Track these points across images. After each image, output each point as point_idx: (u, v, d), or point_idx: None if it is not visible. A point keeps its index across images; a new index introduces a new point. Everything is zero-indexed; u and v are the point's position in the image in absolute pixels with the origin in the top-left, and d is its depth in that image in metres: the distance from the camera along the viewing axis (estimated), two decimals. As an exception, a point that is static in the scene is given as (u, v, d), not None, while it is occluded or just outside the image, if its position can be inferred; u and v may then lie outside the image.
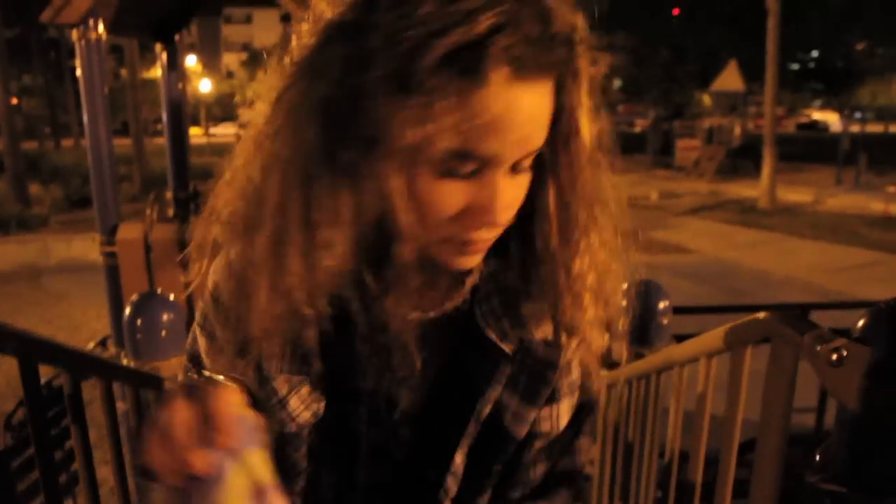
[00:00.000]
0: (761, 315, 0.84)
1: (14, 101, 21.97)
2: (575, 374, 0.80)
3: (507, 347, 0.76)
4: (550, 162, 0.68)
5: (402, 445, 0.81)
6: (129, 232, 4.14)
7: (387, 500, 0.82)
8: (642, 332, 1.54)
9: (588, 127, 0.67)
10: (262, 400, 0.68)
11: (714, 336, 0.99)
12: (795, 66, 37.14)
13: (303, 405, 0.78)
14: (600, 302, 0.74)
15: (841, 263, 10.23)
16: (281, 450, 0.80)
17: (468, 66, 0.56)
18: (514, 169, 0.65)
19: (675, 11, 32.33)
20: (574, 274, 0.71)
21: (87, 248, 7.76)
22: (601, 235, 0.72)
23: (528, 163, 0.66)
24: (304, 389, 0.78)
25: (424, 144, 0.59)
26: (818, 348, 0.71)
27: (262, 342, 0.74)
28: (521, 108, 0.60)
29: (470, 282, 0.77)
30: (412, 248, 0.67)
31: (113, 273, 4.24)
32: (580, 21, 0.65)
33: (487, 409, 0.77)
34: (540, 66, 0.60)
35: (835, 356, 0.69)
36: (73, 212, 14.82)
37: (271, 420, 0.70)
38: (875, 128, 35.99)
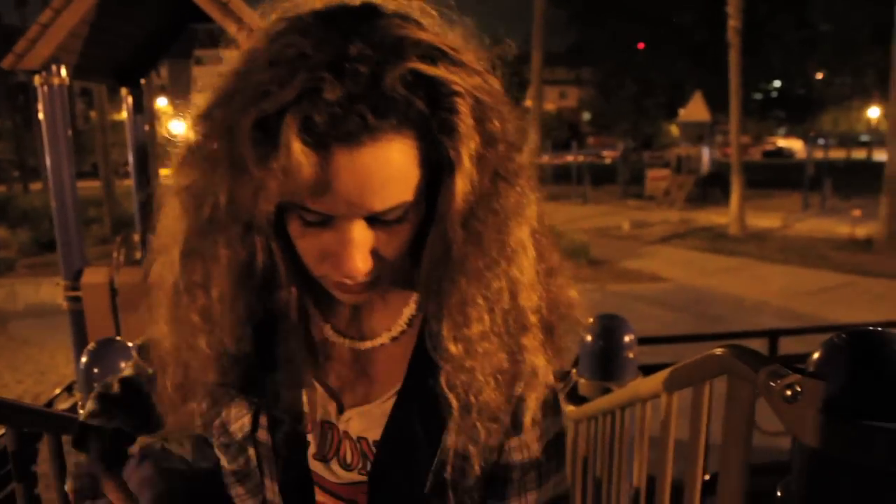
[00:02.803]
0: (718, 351, 0.83)
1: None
2: (531, 404, 0.78)
3: None
4: (438, 211, 0.68)
5: (370, 477, 0.81)
6: (95, 276, 4.07)
7: None
8: (608, 367, 1.53)
9: (465, 183, 0.65)
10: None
11: (675, 372, 0.99)
12: (759, 96, 38.07)
13: (237, 417, 0.82)
14: (515, 338, 0.73)
15: (811, 287, 10.38)
16: (223, 457, 0.85)
17: (273, 135, 0.59)
18: (375, 221, 0.66)
19: (641, 46, 33.06)
20: (470, 308, 0.70)
21: (54, 292, 7.62)
22: (502, 275, 0.70)
23: (394, 215, 0.66)
24: (238, 401, 0.82)
25: (262, 207, 0.63)
26: (772, 384, 0.70)
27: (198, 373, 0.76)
28: (337, 172, 0.61)
29: (407, 311, 0.80)
30: (295, 286, 0.75)
31: (78, 318, 4.16)
32: (462, 72, 0.63)
33: (452, 439, 0.76)
34: (349, 134, 0.59)
35: (788, 392, 0.68)
36: (42, 255, 14.56)
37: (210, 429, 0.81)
38: (838, 153, 36.85)
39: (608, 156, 39.00)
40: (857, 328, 0.68)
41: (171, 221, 0.72)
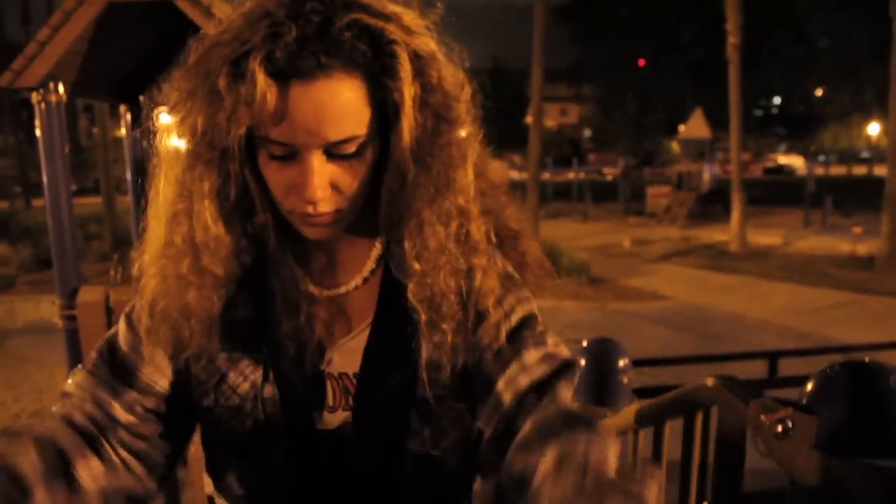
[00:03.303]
0: (709, 381, 0.81)
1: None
2: (488, 298, 0.85)
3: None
4: (391, 146, 0.79)
5: (354, 410, 0.87)
6: (90, 295, 4.04)
7: (348, 465, 0.87)
8: (602, 392, 1.50)
9: (410, 121, 0.77)
10: (196, 384, 0.88)
11: (667, 401, 0.96)
12: (759, 112, 38.20)
13: (241, 377, 0.88)
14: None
15: (813, 305, 10.33)
16: (226, 426, 0.89)
17: (242, 72, 0.72)
18: (332, 154, 0.77)
19: (641, 62, 33.23)
20: (416, 239, 0.81)
21: (54, 309, 7.62)
22: (451, 199, 0.81)
23: (349, 148, 0.77)
24: (243, 362, 0.88)
25: (233, 133, 0.75)
26: (763, 418, 0.67)
27: (188, 325, 0.84)
28: (296, 103, 0.73)
29: (374, 253, 0.90)
30: (269, 217, 0.84)
31: (73, 337, 4.13)
32: (399, 26, 0.76)
33: (426, 352, 0.83)
34: (304, 70, 0.72)
35: (780, 427, 0.65)
36: (42, 272, 14.57)
37: (216, 396, 0.88)
38: (838, 170, 36.90)
39: (609, 173, 39.10)
40: (852, 360, 0.66)
41: (164, 167, 0.85)
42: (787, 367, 4.31)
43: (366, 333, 0.87)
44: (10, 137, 33.65)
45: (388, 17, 0.75)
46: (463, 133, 0.82)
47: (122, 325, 0.94)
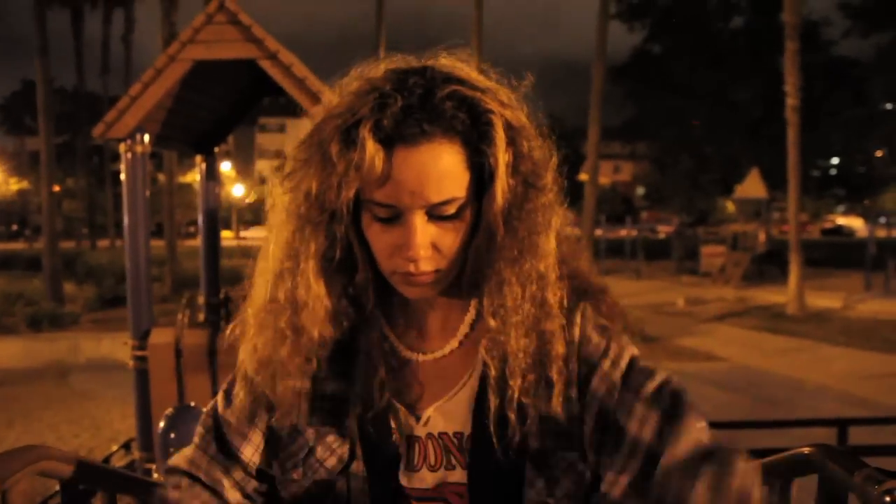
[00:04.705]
0: (807, 450, 0.83)
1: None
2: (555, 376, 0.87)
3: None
4: (483, 209, 0.84)
5: (469, 467, 0.89)
6: (161, 337, 4.19)
7: None
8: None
9: (503, 184, 0.82)
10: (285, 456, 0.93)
11: (765, 466, 0.98)
12: (817, 173, 37.46)
13: (328, 452, 0.92)
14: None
15: (876, 371, 9.93)
16: (314, 501, 0.93)
17: (353, 139, 0.78)
18: (433, 215, 0.82)
19: (696, 122, 33.10)
20: (505, 294, 0.84)
21: (115, 347, 7.86)
22: (532, 264, 0.85)
23: (449, 210, 0.82)
24: (330, 437, 0.92)
25: (343, 195, 0.81)
26: (871, 489, 0.70)
27: (285, 397, 0.90)
28: (401, 166, 0.78)
29: (468, 318, 0.93)
30: (369, 276, 0.89)
31: (143, 377, 4.26)
32: (494, 98, 0.82)
33: (492, 408, 0.87)
34: (409, 136, 0.77)
35: (888, 498, 0.68)
36: (105, 311, 15.05)
37: (304, 469, 0.92)
38: (901, 233, 35.71)
39: (662, 231, 38.65)
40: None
41: (275, 231, 0.89)
42: (855, 436, 4.16)
43: (465, 392, 0.90)
44: (82, 181, 35.15)
45: (484, 90, 0.82)
46: (548, 200, 0.86)
47: (220, 401, 1.00)
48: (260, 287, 0.90)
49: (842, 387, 9.04)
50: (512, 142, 0.82)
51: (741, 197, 22.30)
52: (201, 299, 5.38)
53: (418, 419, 0.91)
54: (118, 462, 4.96)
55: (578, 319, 0.89)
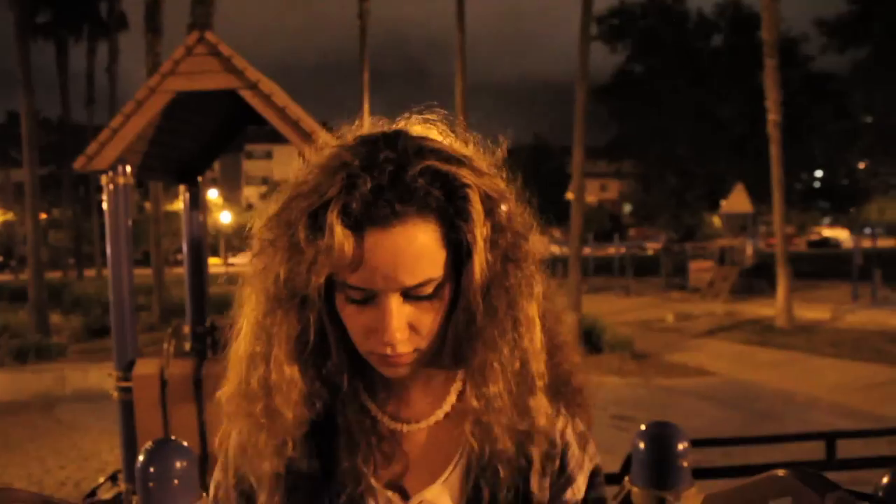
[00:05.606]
0: (781, 472, 0.83)
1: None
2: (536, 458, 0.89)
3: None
4: (462, 286, 0.81)
5: None
6: (146, 367, 4.16)
7: None
8: (662, 476, 1.51)
9: (481, 260, 0.78)
10: None
11: (736, 491, 0.98)
12: (800, 186, 37.83)
13: None
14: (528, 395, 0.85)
15: (865, 381, 9.98)
16: None
17: (321, 224, 0.75)
18: (409, 296, 0.78)
19: (680, 140, 33.41)
20: (488, 372, 0.83)
21: (102, 377, 7.77)
22: (513, 344, 0.83)
23: (426, 290, 0.78)
24: None
25: (313, 281, 0.77)
26: (836, 512, 0.70)
27: (264, 480, 0.88)
28: (373, 250, 0.75)
29: (454, 389, 0.91)
30: (343, 359, 0.86)
31: (128, 409, 4.22)
32: (471, 171, 0.78)
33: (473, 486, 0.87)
34: (380, 218, 0.74)
35: (854, 521, 0.68)
36: (92, 341, 14.88)
37: None
38: (886, 242, 36.06)
39: (650, 247, 38.83)
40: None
41: (246, 310, 0.86)
42: (845, 448, 4.18)
43: (456, 475, 0.89)
44: (69, 211, 34.99)
45: (459, 162, 0.78)
46: (530, 271, 0.84)
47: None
48: (235, 368, 0.88)
49: (832, 398, 9.08)
50: (490, 212, 0.79)
51: (727, 212, 22.51)
52: (187, 328, 5.34)
53: (405, 496, 0.89)
54: (105, 494, 4.89)
55: (561, 424, 0.91)
